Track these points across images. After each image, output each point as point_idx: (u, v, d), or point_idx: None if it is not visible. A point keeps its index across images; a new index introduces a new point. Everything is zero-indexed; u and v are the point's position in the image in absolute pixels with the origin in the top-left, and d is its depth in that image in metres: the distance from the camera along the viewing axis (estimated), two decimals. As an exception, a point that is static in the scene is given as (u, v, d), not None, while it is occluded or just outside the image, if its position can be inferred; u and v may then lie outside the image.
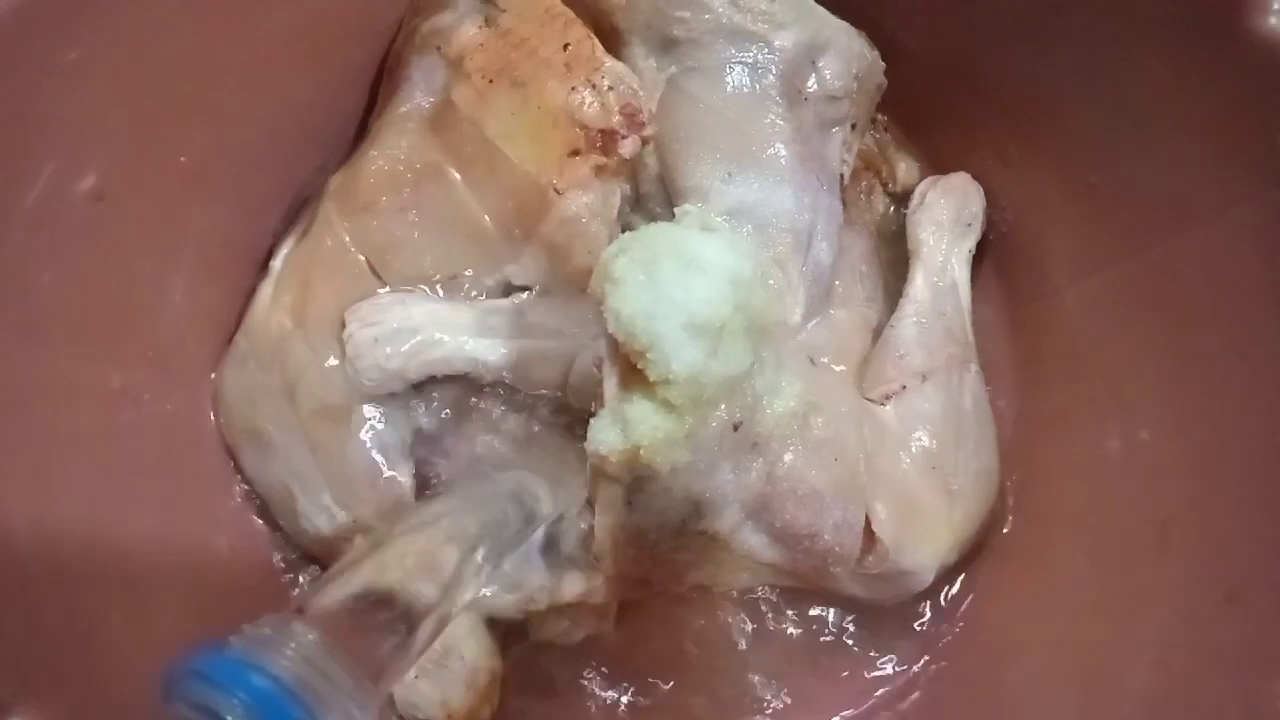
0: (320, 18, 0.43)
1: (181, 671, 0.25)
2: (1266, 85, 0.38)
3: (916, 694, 0.45)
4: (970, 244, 0.50)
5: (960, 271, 0.50)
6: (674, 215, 0.42)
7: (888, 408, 0.45)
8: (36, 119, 0.33)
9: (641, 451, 0.35)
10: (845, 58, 0.46)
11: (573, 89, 0.41)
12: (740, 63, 0.44)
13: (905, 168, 0.53)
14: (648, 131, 0.41)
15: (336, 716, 0.27)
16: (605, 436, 0.36)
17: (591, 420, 0.37)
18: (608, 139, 0.41)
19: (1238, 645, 0.35)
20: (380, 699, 0.29)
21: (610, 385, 0.37)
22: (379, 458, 0.42)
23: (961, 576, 0.47)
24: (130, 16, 0.35)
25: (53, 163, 0.34)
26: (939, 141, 0.53)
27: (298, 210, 0.47)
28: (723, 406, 0.38)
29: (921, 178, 0.53)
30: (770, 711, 0.44)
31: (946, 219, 0.50)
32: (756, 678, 0.44)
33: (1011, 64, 0.48)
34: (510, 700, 0.43)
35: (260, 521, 0.45)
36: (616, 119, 0.41)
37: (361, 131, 0.47)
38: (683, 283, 0.35)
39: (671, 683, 0.44)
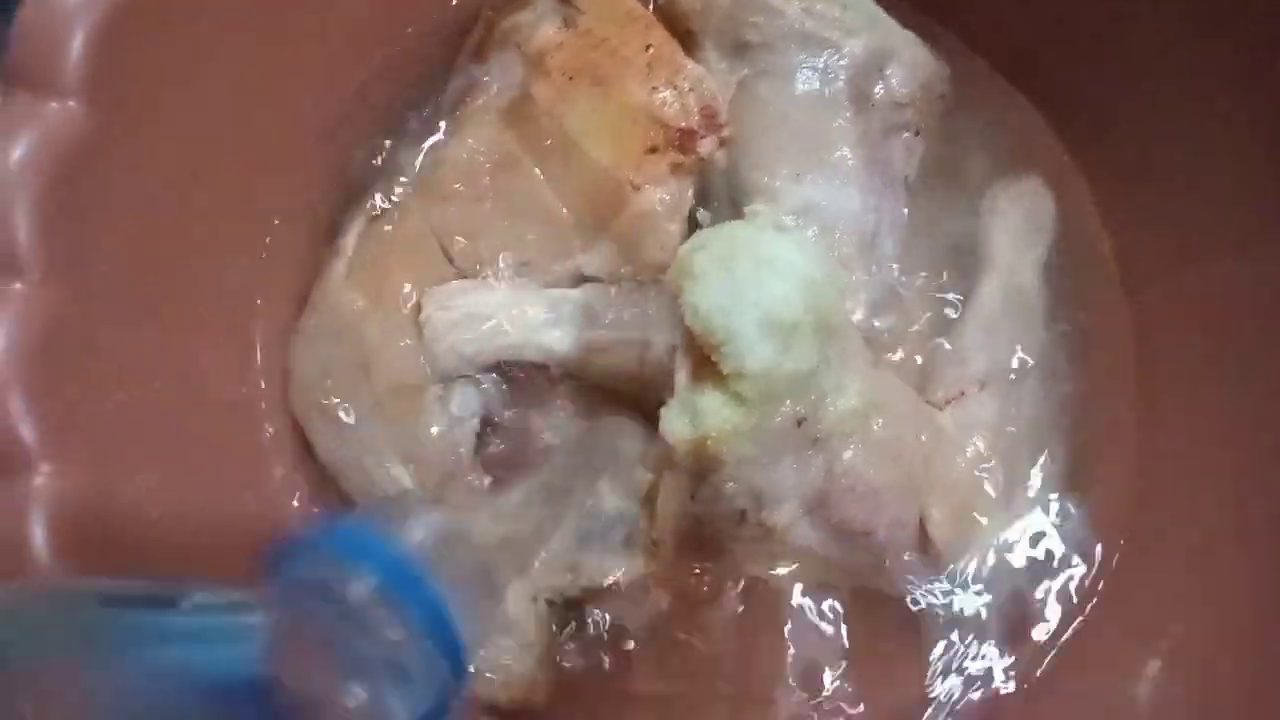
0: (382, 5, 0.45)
1: (293, 544, 0.24)
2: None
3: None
4: (1041, 251, 0.51)
5: (1030, 278, 0.50)
6: (740, 214, 0.44)
7: (946, 412, 0.46)
8: (157, 97, 0.35)
9: (709, 442, 0.36)
10: (911, 66, 0.47)
11: (654, 89, 0.42)
12: (810, 67, 0.46)
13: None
14: (725, 132, 0.43)
15: (468, 604, 0.25)
16: (675, 425, 0.37)
17: (662, 409, 0.38)
18: (686, 138, 0.42)
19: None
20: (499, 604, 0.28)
21: (682, 376, 0.38)
22: (449, 435, 0.43)
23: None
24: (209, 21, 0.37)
25: (164, 146, 0.36)
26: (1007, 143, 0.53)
27: (361, 187, 0.48)
28: (788, 402, 0.38)
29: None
30: (818, 706, 0.45)
31: (1018, 225, 0.51)
32: (805, 671, 0.45)
33: (1075, 81, 0.49)
34: (563, 681, 0.44)
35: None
36: (696, 119, 0.42)
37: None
38: (759, 281, 0.36)
39: (720, 670, 0.45)
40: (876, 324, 0.47)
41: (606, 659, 0.45)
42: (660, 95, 0.42)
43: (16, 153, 0.31)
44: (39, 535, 0.28)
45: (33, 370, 0.30)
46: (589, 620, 0.44)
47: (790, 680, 0.44)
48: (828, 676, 0.44)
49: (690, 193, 0.43)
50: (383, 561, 0.23)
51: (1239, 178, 0.44)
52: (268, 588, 0.23)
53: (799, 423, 0.39)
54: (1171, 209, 0.47)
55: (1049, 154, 0.52)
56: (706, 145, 0.42)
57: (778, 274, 0.37)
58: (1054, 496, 0.47)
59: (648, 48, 0.43)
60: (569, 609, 0.44)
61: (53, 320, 0.31)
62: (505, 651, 0.42)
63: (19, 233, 0.31)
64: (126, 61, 0.34)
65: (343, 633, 0.23)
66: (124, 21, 0.33)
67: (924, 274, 0.49)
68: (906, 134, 0.49)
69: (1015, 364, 0.48)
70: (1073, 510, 0.47)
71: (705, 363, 0.37)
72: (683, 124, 0.42)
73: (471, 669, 0.41)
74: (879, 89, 0.47)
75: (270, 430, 0.44)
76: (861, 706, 0.44)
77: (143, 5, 0.34)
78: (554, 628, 0.43)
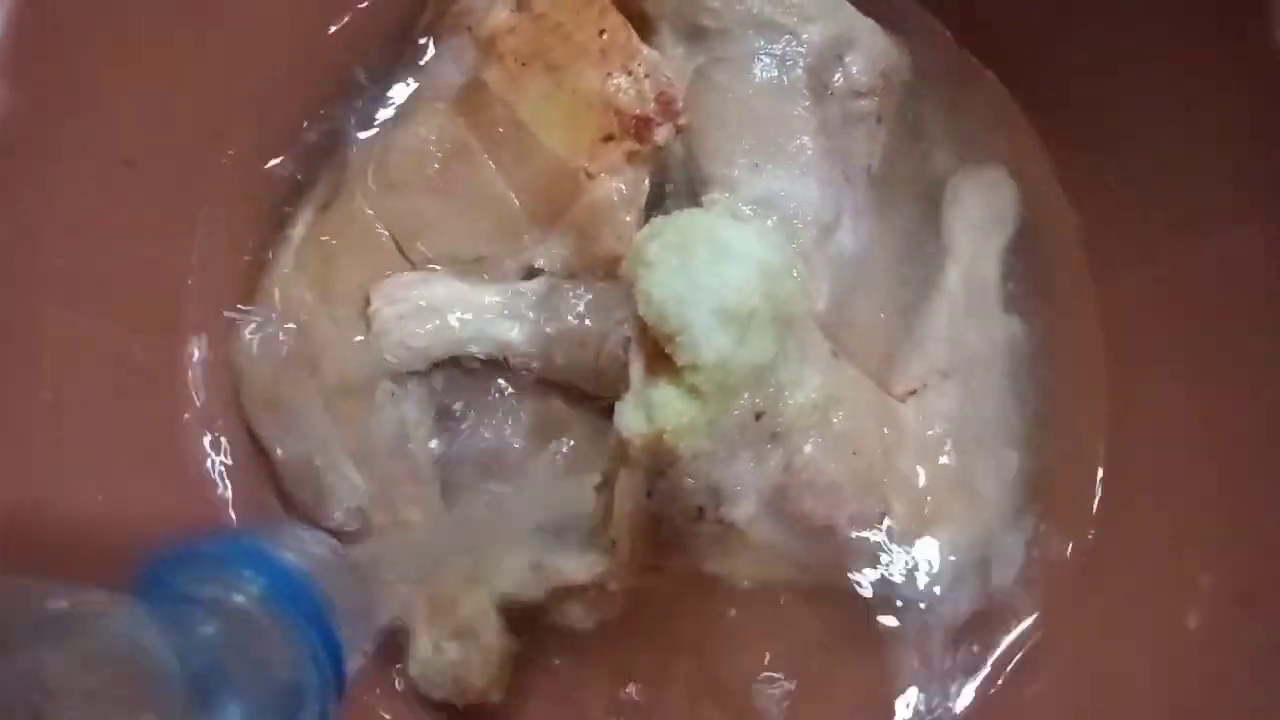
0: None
1: (174, 555, 0.24)
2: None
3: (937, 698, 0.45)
4: (1002, 240, 0.50)
5: (992, 268, 0.50)
6: (698, 204, 0.43)
7: (909, 404, 0.45)
8: (75, 94, 0.34)
9: (665, 436, 0.36)
10: (871, 55, 0.47)
11: (609, 75, 0.41)
12: (768, 54, 0.45)
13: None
14: (682, 120, 0.42)
15: (347, 618, 0.26)
16: (630, 420, 0.36)
17: (617, 404, 0.37)
18: (642, 125, 0.41)
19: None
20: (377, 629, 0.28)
21: (636, 369, 0.37)
22: (401, 433, 0.42)
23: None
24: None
25: (91, 131, 0.35)
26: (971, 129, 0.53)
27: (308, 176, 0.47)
28: (746, 395, 0.38)
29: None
30: (780, 703, 0.44)
31: (979, 216, 0.50)
32: (764, 669, 0.44)
33: (1042, 60, 0.49)
34: (520, 681, 0.43)
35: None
36: (652, 106, 0.41)
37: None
38: (715, 269, 0.35)
39: (681, 670, 0.45)
40: (837, 315, 0.46)
41: (563, 658, 0.44)
42: (615, 81, 0.41)
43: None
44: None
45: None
46: (547, 619, 0.43)
47: (748, 678, 0.44)
48: (786, 674, 0.44)
49: (646, 182, 0.42)
50: (265, 570, 0.24)
51: (1206, 163, 0.43)
52: (147, 598, 0.23)
53: (757, 416, 0.39)
54: (1140, 196, 0.47)
55: (1017, 140, 0.51)
56: (663, 133, 0.41)
57: (734, 261, 0.36)
58: (1019, 488, 0.46)
59: (602, 33, 0.42)
60: (524, 614, 0.43)
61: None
62: (463, 655, 0.41)
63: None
64: (52, 42, 0.33)
65: (222, 643, 0.23)
66: (44, 5, 0.32)
67: (885, 263, 0.49)
68: (867, 123, 0.48)
69: (978, 354, 0.47)
70: (1038, 503, 0.47)
71: (660, 355, 0.36)
72: (638, 111, 0.41)
73: (424, 669, 0.41)
74: (838, 77, 0.46)
75: (208, 427, 0.42)
76: (820, 704, 0.43)
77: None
78: (509, 631, 0.42)
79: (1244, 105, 0.41)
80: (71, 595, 0.22)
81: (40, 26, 0.32)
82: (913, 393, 0.45)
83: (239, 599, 0.23)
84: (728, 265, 0.35)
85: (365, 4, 0.46)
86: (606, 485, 0.40)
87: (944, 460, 0.44)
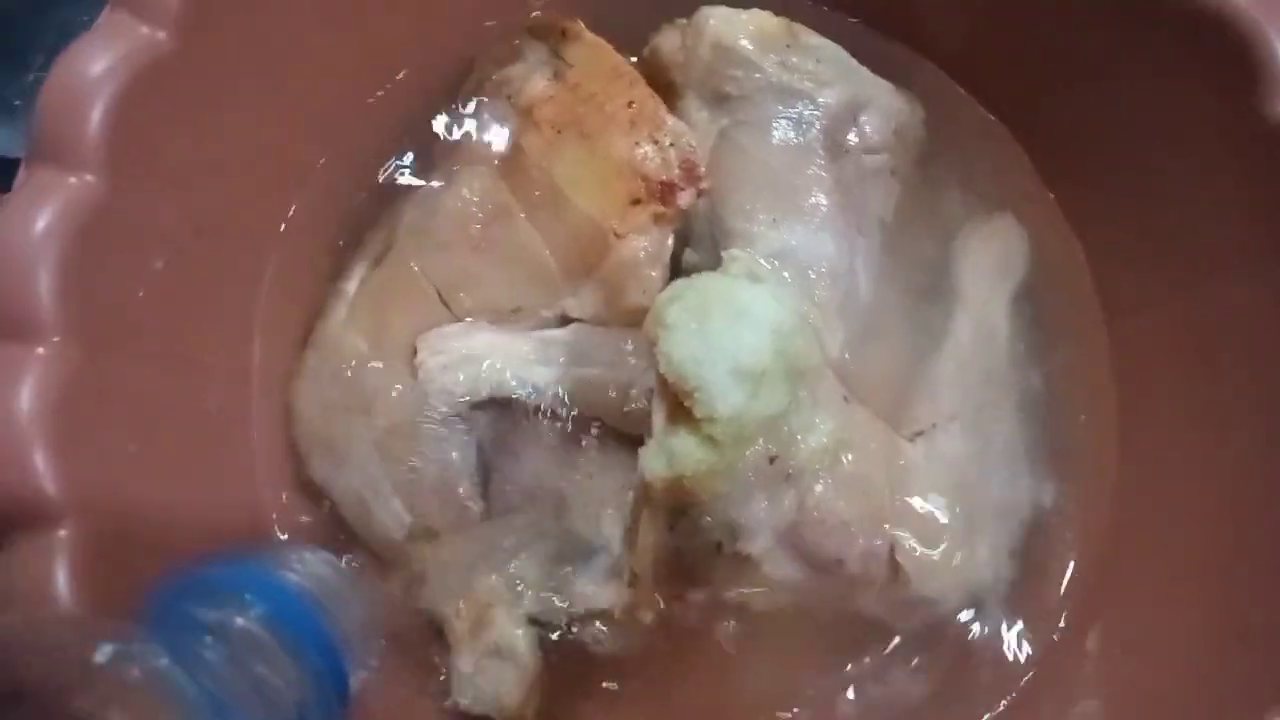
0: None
1: (180, 582, 0.25)
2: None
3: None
4: (1012, 286, 0.53)
5: (1000, 314, 0.52)
6: (721, 255, 0.46)
7: (917, 445, 0.48)
8: (166, 165, 0.38)
9: (685, 481, 0.39)
10: (886, 114, 0.50)
11: (636, 143, 0.45)
12: (786, 118, 0.48)
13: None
14: (704, 184, 0.45)
15: (351, 635, 0.27)
16: (653, 465, 0.39)
17: (641, 449, 0.40)
18: (667, 190, 0.44)
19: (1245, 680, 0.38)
20: (380, 644, 0.30)
21: (658, 419, 0.40)
22: (446, 471, 0.46)
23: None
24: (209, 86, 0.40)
25: (166, 208, 0.39)
26: (981, 178, 0.55)
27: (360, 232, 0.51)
28: (761, 441, 0.41)
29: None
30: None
31: (989, 264, 0.53)
32: (783, 692, 0.47)
33: (1048, 108, 0.51)
34: (551, 701, 0.46)
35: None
36: (676, 172, 0.44)
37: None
38: (730, 332, 0.38)
39: (703, 693, 0.48)
40: (851, 360, 0.49)
41: (593, 677, 0.48)
42: (642, 150, 0.45)
43: (39, 225, 0.34)
44: (62, 582, 0.31)
45: (54, 429, 0.33)
46: (578, 642, 0.47)
47: (766, 700, 0.47)
48: (802, 698, 0.47)
49: (670, 241, 0.45)
50: (267, 593, 0.25)
51: (1214, 206, 0.45)
52: (158, 625, 0.25)
53: (771, 460, 0.42)
54: (1150, 239, 0.49)
55: (1026, 188, 0.54)
56: (686, 197, 0.45)
57: (748, 324, 0.39)
58: (1025, 527, 0.49)
59: (631, 104, 0.45)
60: (558, 631, 0.46)
61: (71, 381, 0.33)
62: (500, 673, 0.45)
63: (42, 299, 0.33)
64: (138, 134, 0.37)
65: (227, 665, 0.24)
66: (134, 98, 0.36)
67: (899, 310, 0.52)
68: (882, 177, 0.51)
69: (986, 398, 0.50)
70: (1044, 540, 0.49)
71: (679, 407, 0.39)
72: (663, 177, 0.44)
73: (465, 686, 0.44)
74: (853, 136, 0.49)
75: (270, 464, 0.46)
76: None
77: (149, 82, 0.36)
78: (541, 649, 0.46)
79: (1245, 167, 0.43)
80: (100, 631, 0.24)
81: (128, 122, 0.36)
82: (920, 434, 0.48)
83: (241, 622, 0.24)
84: (742, 327, 0.39)
85: (404, 74, 0.50)
86: (632, 519, 0.43)
87: (949, 499, 0.47)
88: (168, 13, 0.37)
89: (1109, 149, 0.50)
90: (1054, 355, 0.52)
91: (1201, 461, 0.46)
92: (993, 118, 0.54)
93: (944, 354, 0.50)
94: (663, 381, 0.39)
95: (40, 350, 0.33)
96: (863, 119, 0.49)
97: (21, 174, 0.35)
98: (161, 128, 0.38)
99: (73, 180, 0.34)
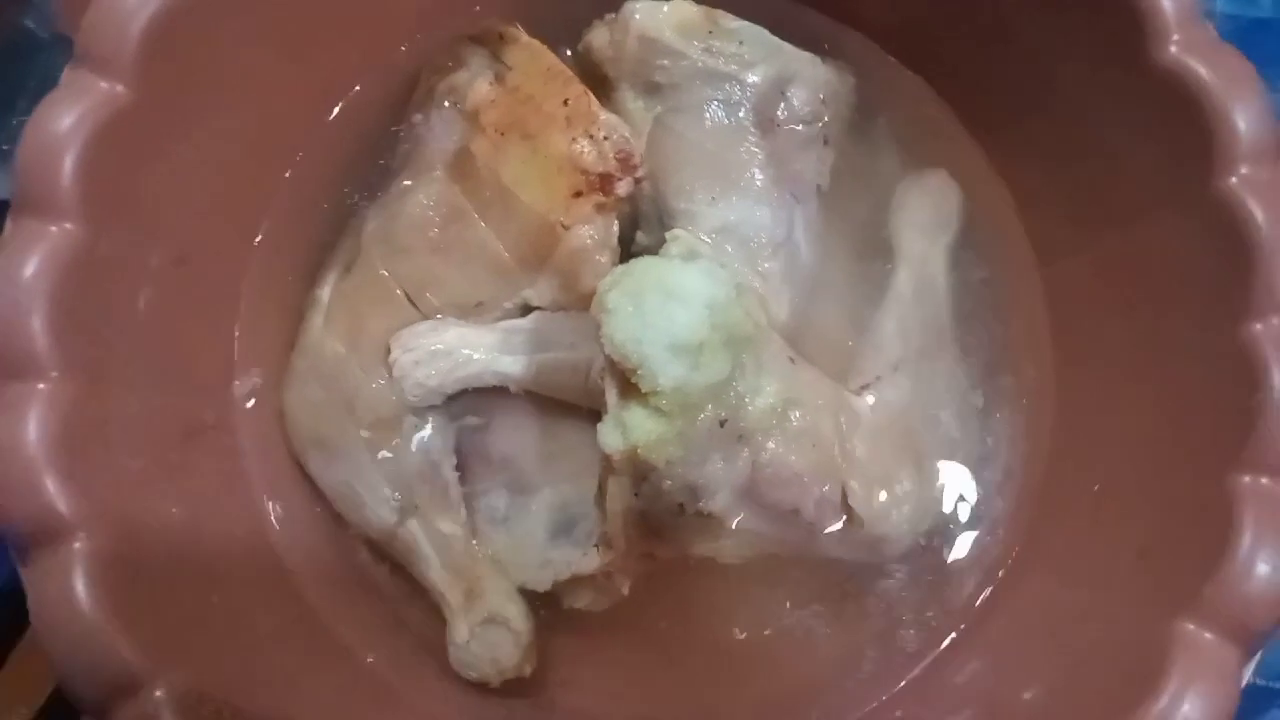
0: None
1: None
2: (1170, 111, 0.43)
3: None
4: (948, 239, 0.56)
5: (938, 266, 0.55)
6: (665, 235, 0.49)
7: (864, 397, 0.51)
8: (140, 205, 0.42)
9: (639, 450, 0.42)
10: (812, 85, 0.53)
11: (574, 140, 0.48)
12: (716, 100, 0.51)
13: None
14: (640, 173, 0.48)
15: None
16: (609, 439, 0.42)
17: (599, 425, 0.44)
18: (606, 181, 0.48)
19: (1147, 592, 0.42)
20: None
21: (611, 394, 0.43)
22: (428, 456, 0.50)
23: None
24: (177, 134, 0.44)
25: (147, 243, 0.43)
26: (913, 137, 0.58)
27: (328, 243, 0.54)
28: (709, 407, 0.43)
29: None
30: (767, 658, 0.51)
31: (925, 219, 0.56)
32: (755, 630, 0.51)
33: (972, 66, 0.54)
34: (544, 659, 0.50)
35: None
36: (613, 163, 0.48)
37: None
38: (665, 310, 0.42)
39: (684, 642, 0.51)
40: (798, 322, 0.52)
41: (581, 635, 0.51)
42: (579, 145, 0.48)
43: (28, 271, 0.38)
44: (80, 589, 0.35)
45: (61, 454, 0.36)
46: (564, 605, 0.50)
47: (739, 639, 0.51)
48: (771, 633, 0.51)
49: (615, 227, 0.49)
50: None
51: (1129, 149, 0.48)
52: None
53: (722, 423, 0.45)
54: (1076, 185, 0.52)
55: (956, 144, 0.56)
56: (624, 186, 0.48)
57: (681, 302, 0.42)
58: (967, 467, 0.52)
59: (566, 101, 0.48)
60: (543, 598, 0.50)
61: (73, 410, 0.37)
62: (496, 639, 0.49)
63: (37, 339, 0.37)
64: (109, 180, 0.40)
65: None
66: (101, 148, 0.39)
67: (843, 271, 0.55)
68: (814, 146, 0.54)
69: (927, 345, 0.53)
70: (986, 477, 0.53)
71: (628, 383, 0.43)
72: (601, 169, 0.47)
73: (461, 654, 0.48)
74: (782, 110, 0.52)
75: (266, 463, 0.50)
76: (803, 655, 0.50)
77: (113, 131, 0.40)
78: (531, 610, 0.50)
79: (1148, 107, 0.46)
80: None
81: (98, 170, 0.39)
82: (867, 386, 0.51)
83: None
84: (675, 305, 0.42)
85: (357, 89, 0.53)
86: (600, 488, 0.47)
87: (895, 444, 0.50)
88: (125, 66, 0.40)
89: (1029, 100, 0.52)
90: (991, 301, 0.55)
91: (1131, 395, 0.49)
92: (919, 78, 0.56)
93: (886, 308, 0.53)
94: (610, 361, 0.42)
95: (41, 386, 0.37)
96: (790, 93, 0.52)
97: (9, 226, 0.39)
98: (130, 171, 0.42)
99: (54, 229, 0.38)
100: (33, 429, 0.36)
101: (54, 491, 0.36)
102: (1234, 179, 0.42)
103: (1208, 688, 0.37)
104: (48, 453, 0.36)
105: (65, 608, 0.35)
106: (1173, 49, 0.43)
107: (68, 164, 0.38)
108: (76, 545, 0.36)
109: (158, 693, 0.36)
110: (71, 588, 0.35)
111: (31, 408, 0.36)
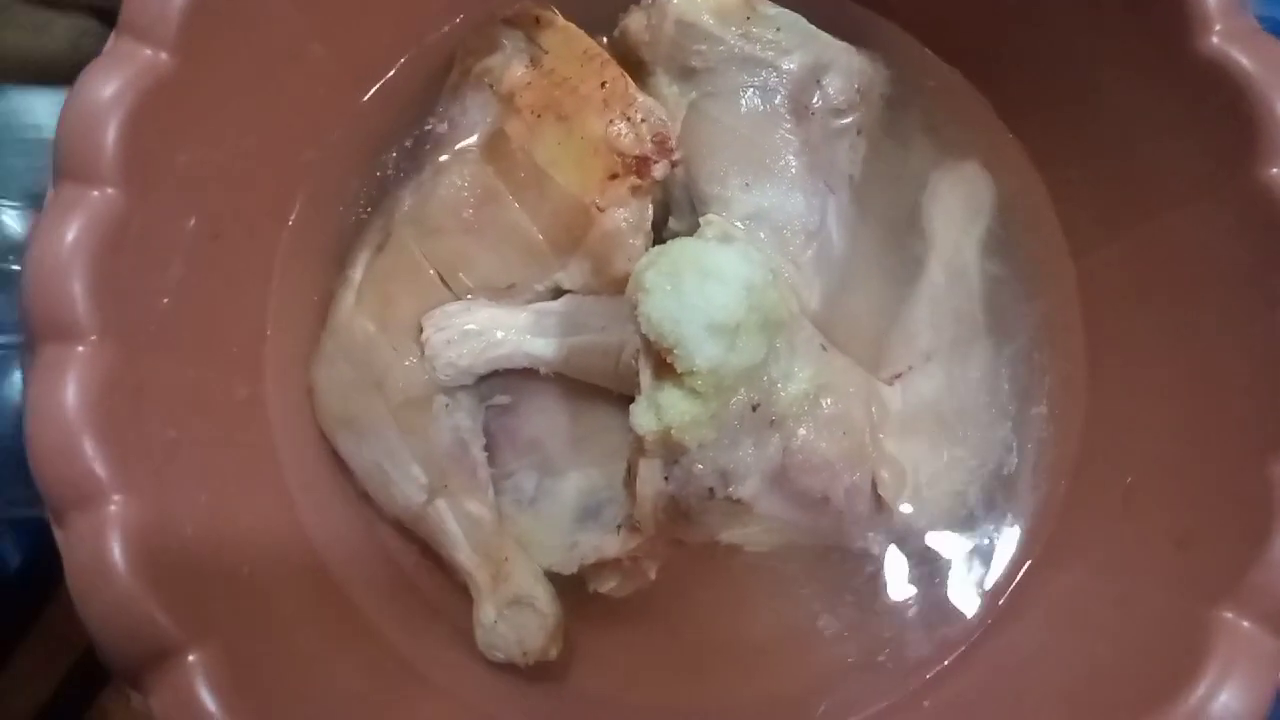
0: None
1: None
2: (1211, 101, 0.43)
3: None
4: (980, 229, 0.56)
5: (970, 256, 0.55)
6: (699, 220, 0.49)
7: (895, 386, 0.51)
8: (178, 176, 0.42)
9: (673, 432, 0.42)
10: (847, 75, 0.52)
11: (610, 122, 0.48)
12: (751, 86, 0.51)
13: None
14: (676, 156, 0.48)
15: None
16: (642, 420, 0.42)
17: (631, 405, 0.43)
18: (642, 164, 0.47)
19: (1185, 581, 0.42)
20: None
21: (645, 376, 0.43)
22: (457, 436, 0.50)
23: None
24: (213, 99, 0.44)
25: (184, 217, 0.43)
26: (946, 127, 0.58)
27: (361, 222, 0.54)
28: (742, 391, 0.44)
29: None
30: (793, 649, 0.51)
31: (957, 210, 0.56)
32: (780, 622, 0.51)
33: (1005, 56, 0.54)
34: (572, 642, 0.50)
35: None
36: (649, 146, 0.48)
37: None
38: (702, 290, 0.41)
39: (709, 627, 0.51)
40: (829, 310, 0.52)
41: (607, 619, 0.51)
42: (616, 127, 0.48)
43: (69, 235, 0.38)
44: (116, 552, 0.35)
45: (98, 418, 0.36)
46: (591, 588, 0.50)
47: (765, 629, 0.50)
48: (797, 624, 0.50)
49: (650, 210, 0.49)
50: None
51: (1163, 138, 0.47)
52: None
53: (754, 408, 0.45)
54: (1109, 175, 0.51)
55: (990, 134, 0.56)
56: (660, 169, 0.48)
57: (720, 283, 0.42)
58: (998, 457, 0.52)
59: (603, 84, 0.48)
60: (571, 581, 0.50)
61: (111, 375, 0.37)
62: (524, 621, 0.49)
63: (77, 303, 0.37)
64: (150, 148, 0.40)
65: None
66: (143, 116, 0.39)
67: (874, 261, 0.55)
68: (848, 135, 0.54)
69: (960, 335, 0.53)
70: (1017, 467, 0.52)
71: (663, 364, 0.42)
72: (637, 152, 0.47)
73: (489, 636, 0.48)
74: (817, 99, 0.52)
75: (296, 441, 0.50)
76: (828, 649, 0.50)
77: (155, 100, 0.40)
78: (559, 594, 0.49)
79: (1186, 96, 0.46)
80: None
81: (140, 137, 0.39)
82: (899, 376, 0.51)
83: None
84: (713, 286, 0.42)
85: (392, 72, 0.54)
86: (630, 471, 0.47)
87: (927, 434, 0.50)
88: (168, 34, 0.40)
89: (1065, 90, 0.52)
90: (1024, 292, 0.55)
91: (1165, 384, 0.48)
92: (954, 69, 0.56)
93: (918, 298, 0.53)
94: (646, 341, 0.42)
95: (80, 349, 0.37)
96: (825, 81, 0.52)
97: (50, 192, 0.39)
98: (170, 140, 0.42)
99: (95, 194, 0.38)
100: (71, 391, 0.36)
101: (91, 454, 0.36)
102: (1276, 169, 0.42)
103: (1246, 677, 0.37)
104: (86, 415, 0.36)
105: (100, 571, 0.35)
106: (1215, 39, 0.43)
107: (111, 130, 0.38)
108: (112, 509, 0.36)
109: (191, 657, 0.36)
110: (108, 550, 0.35)
111: (70, 369, 0.36)
